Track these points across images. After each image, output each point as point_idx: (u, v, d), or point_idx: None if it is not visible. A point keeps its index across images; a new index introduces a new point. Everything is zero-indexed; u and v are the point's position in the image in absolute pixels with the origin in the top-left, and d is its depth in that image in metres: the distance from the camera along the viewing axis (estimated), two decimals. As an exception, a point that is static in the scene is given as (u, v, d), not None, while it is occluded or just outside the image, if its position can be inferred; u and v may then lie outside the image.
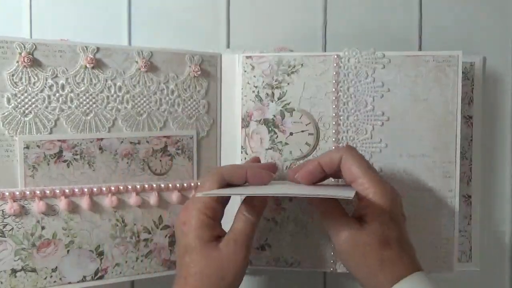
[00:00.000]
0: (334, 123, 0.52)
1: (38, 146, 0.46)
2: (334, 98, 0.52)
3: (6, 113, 0.45)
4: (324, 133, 0.52)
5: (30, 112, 0.46)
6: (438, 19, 0.59)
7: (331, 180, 0.50)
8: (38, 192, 0.46)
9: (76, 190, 0.48)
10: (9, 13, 0.55)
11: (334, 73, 0.52)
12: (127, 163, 0.50)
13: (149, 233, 0.51)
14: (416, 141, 0.51)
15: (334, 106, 0.52)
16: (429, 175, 0.51)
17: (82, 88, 0.48)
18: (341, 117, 0.52)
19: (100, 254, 0.49)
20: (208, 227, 0.43)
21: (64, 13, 0.56)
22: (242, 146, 0.53)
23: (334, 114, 0.52)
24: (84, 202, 0.48)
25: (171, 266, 0.52)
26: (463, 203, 0.56)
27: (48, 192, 0.47)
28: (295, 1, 0.59)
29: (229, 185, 0.45)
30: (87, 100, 0.48)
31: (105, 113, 0.49)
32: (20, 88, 0.45)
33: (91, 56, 0.48)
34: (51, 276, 0.47)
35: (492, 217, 0.59)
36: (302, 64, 0.52)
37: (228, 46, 0.58)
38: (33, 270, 0.46)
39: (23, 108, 0.46)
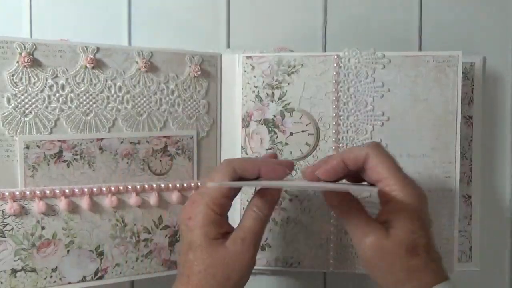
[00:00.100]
0: (334, 123, 0.52)
1: (38, 146, 0.46)
2: (334, 98, 0.52)
3: (6, 113, 0.45)
4: (324, 133, 0.52)
5: (30, 112, 0.46)
6: (438, 19, 0.59)
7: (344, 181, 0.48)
8: (38, 192, 0.46)
9: (76, 190, 0.48)
10: (9, 13, 0.55)
11: (334, 73, 0.52)
12: (127, 163, 0.50)
13: (149, 233, 0.51)
14: (416, 141, 0.51)
15: (334, 106, 0.52)
16: (429, 175, 0.51)
17: (82, 88, 0.48)
18: (341, 117, 0.52)
19: (100, 254, 0.49)
20: (215, 224, 0.41)
21: (64, 13, 0.56)
22: (242, 146, 0.53)
23: (334, 114, 0.52)
24: (84, 202, 0.48)
25: (171, 266, 0.52)
26: (463, 203, 0.56)
27: (48, 192, 0.47)
28: (295, 1, 0.59)
29: (240, 178, 0.43)
30: (87, 100, 0.48)
31: (105, 113, 0.49)
32: (20, 88, 0.45)
33: (91, 56, 0.48)
34: (51, 276, 0.47)
35: (492, 217, 0.59)
36: (302, 64, 0.52)
37: (228, 46, 0.58)
38: (33, 270, 0.46)
39: (23, 108, 0.46)
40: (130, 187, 0.50)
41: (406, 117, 0.51)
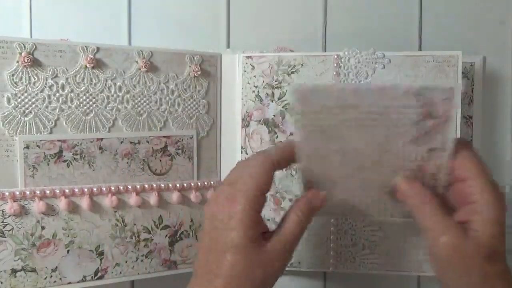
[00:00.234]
0: (334, 123, 0.52)
1: (38, 146, 0.46)
2: (334, 98, 0.52)
3: (6, 113, 0.45)
4: (324, 133, 0.52)
5: (30, 112, 0.46)
6: (438, 19, 0.59)
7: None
8: (38, 192, 0.46)
9: (76, 190, 0.48)
10: (9, 13, 0.55)
11: (334, 73, 0.52)
12: (127, 163, 0.50)
13: (149, 233, 0.51)
14: (416, 141, 0.51)
15: (334, 106, 0.52)
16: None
17: (82, 88, 0.48)
18: (341, 117, 0.52)
19: (100, 254, 0.49)
20: (256, 224, 0.38)
21: (64, 13, 0.56)
22: (242, 146, 0.53)
23: (334, 114, 0.52)
24: (84, 202, 0.48)
25: (171, 266, 0.52)
26: (463, 203, 0.56)
27: (48, 192, 0.47)
28: (295, 1, 0.59)
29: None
30: (87, 100, 0.48)
31: (105, 113, 0.49)
32: (20, 88, 0.45)
33: (91, 56, 0.48)
34: (51, 276, 0.47)
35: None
36: (302, 64, 0.52)
37: (228, 46, 0.58)
38: (33, 270, 0.46)
39: (23, 108, 0.46)
40: (130, 187, 0.50)
41: (406, 117, 0.51)
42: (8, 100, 0.45)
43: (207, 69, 0.53)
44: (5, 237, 0.45)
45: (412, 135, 0.38)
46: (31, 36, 0.55)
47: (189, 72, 0.52)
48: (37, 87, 0.46)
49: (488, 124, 0.58)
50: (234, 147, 0.54)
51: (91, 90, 0.48)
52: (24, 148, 0.46)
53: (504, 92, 0.59)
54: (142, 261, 0.51)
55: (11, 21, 0.55)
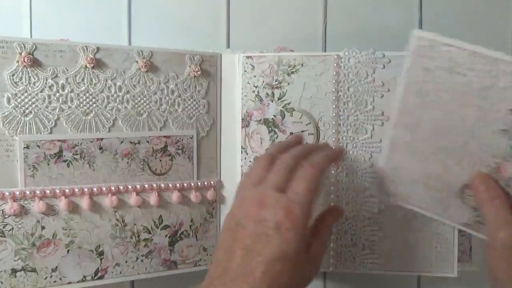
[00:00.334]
0: (334, 123, 0.52)
1: (38, 146, 0.46)
2: (334, 98, 0.52)
3: (6, 113, 0.45)
4: (324, 133, 0.52)
5: (30, 112, 0.46)
6: (438, 19, 0.59)
7: None
8: (38, 192, 0.46)
9: (76, 190, 0.48)
10: (9, 13, 0.55)
11: (334, 73, 0.52)
12: (127, 163, 0.50)
13: (149, 233, 0.51)
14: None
15: (334, 106, 0.52)
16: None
17: (82, 88, 0.48)
18: (341, 117, 0.52)
19: (100, 254, 0.49)
20: (307, 236, 0.40)
21: (64, 13, 0.56)
22: (242, 146, 0.53)
23: (334, 114, 0.52)
24: (84, 202, 0.48)
25: (171, 266, 0.52)
26: (463, 203, 0.56)
27: (48, 192, 0.47)
28: (295, 1, 0.59)
29: None
30: (87, 100, 0.48)
31: (105, 113, 0.49)
32: (20, 88, 0.45)
33: (91, 56, 0.48)
34: (51, 276, 0.47)
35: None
36: (302, 64, 0.52)
37: (228, 46, 0.58)
38: (33, 270, 0.46)
39: (23, 108, 0.46)
40: (130, 187, 0.50)
41: (406, 117, 0.51)
42: (8, 100, 0.45)
43: (207, 69, 0.53)
44: (5, 237, 0.45)
45: (505, 124, 0.38)
46: (31, 36, 0.55)
47: (189, 72, 0.52)
48: (37, 87, 0.46)
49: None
50: (234, 147, 0.54)
51: (91, 90, 0.48)
52: (24, 148, 0.46)
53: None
54: (142, 261, 0.51)
55: (11, 21, 0.55)
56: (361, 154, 0.52)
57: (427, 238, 0.51)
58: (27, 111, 0.46)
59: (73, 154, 0.48)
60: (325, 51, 0.59)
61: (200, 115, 0.53)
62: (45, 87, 0.46)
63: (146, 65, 0.50)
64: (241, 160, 0.53)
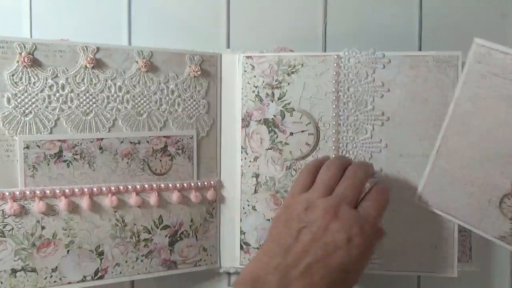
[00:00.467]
0: (334, 123, 0.52)
1: (38, 146, 0.46)
2: (334, 98, 0.52)
3: (6, 113, 0.45)
4: (324, 133, 0.52)
5: (30, 112, 0.46)
6: (438, 19, 0.59)
7: None
8: (38, 192, 0.46)
9: (76, 190, 0.48)
10: (9, 13, 0.55)
11: (334, 73, 0.52)
12: (127, 163, 0.50)
13: (149, 233, 0.51)
14: (416, 141, 0.51)
15: (334, 106, 0.52)
16: (430, 175, 0.51)
17: (82, 88, 0.48)
18: (341, 117, 0.52)
19: (100, 254, 0.49)
20: (370, 257, 0.43)
21: (64, 13, 0.56)
22: (242, 146, 0.53)
23: (334, 114, 0.52)
24: (84, 202, 0.48)
25: (171, 266, 0.52)
26: (463, 203, 0.56)
27: (48, 192, 0.47)
28: (295, 1, 0.59)
29: None
30: (87, 100, 0.48)
31: (105, 113, 0.49)
32: (20, 88, 0.45)
33: (91, 56, 0.48)
34: (51, 276, 0.47)
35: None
36: (302, 64, 0.52)
37: (228, 46, 0.58)
38: (33, 270, 0.46)
39: (23, 108, 0.46)
40: (130, 187, 0.50)
41: (406, 117, 0.51)
42: (8, 100, 0.45)
43: (207, 69, 0.53)
44: (5, 237, 0.45)
45: None
46: (31, 36, 0.55)
47: (189, 72, 0.52)
48: (37, 87, 0.46)
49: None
50: (234, 147, 0.54)
51: (91, 90, 0.48)
52: (24, 148, 0.46)
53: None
54: (142, 261, 0.51)
55: (11, 21, 0.55)
56: (361, 154, 0.52)
57: (427, 238, 0.51)
58: (27, 111, 0.46)
59: (73, 154, 0.48)
60: (325, 51, 0.59)
61: (200, 115, 0.53)
62: (45, 87, 0.46)
63: (146, 65, 0.50)
64: (241, 160, 0.53)
